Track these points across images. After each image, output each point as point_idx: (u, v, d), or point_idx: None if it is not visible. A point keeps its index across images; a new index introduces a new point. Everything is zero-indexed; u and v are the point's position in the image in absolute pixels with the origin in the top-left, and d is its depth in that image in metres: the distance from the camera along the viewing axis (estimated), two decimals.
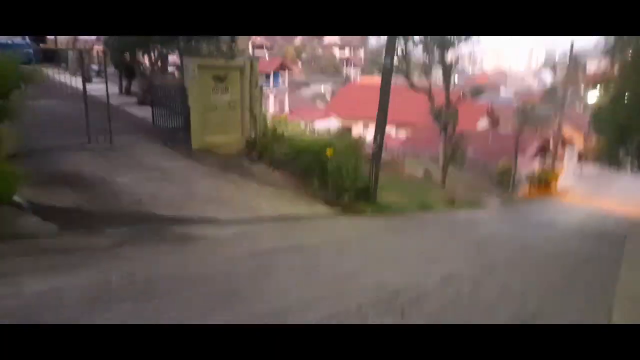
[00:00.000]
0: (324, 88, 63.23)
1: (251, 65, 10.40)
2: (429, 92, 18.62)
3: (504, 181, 22.31)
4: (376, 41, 14.01)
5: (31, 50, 16.43)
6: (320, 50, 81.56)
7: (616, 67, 17.14)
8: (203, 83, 9.72)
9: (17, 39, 16.44)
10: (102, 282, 3.58)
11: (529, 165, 25.56)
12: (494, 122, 35.28)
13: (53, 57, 16.76)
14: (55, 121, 8.90)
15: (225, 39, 10.70)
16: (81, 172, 7.01)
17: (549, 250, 8.59)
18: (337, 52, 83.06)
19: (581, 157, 36.43)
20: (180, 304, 3.37)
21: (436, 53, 18.46)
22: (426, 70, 19.93)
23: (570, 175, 32.52)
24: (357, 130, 29.39)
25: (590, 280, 6.30)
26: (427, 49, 18.48)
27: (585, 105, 27.50)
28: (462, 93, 38.18)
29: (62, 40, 18.45)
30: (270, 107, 36.83)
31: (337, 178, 9.40)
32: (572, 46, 27.92)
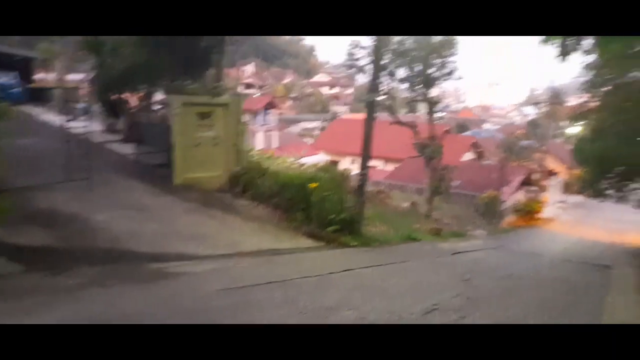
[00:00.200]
0: (313, 125, 63.95)
1: (236, 102, 10.52)
2: (413, 127, 18.92)
3: (490, 212, 22.39)
4: (365, 79, 14.34)
5: (19, 90, 16.55)
6: (309, 89, 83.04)
7: (596, 101, 17.59)
8: (187, 120, 9.79)
9: (6, 79, 16.55)
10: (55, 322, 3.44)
11: (514, 196, 25.76)
12: (479, 155, 35.79)
13: (40, 96, 16.87)
14: (34, 159, 8.82)
15: (210, 77, 10.86)
16: (56, 210, 6.90)
17: (534, 279, 8.56)
18: (326, 90, 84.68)
19: (565, 187, 36.88)
20: None
21: (420, 90, 18.87)
22: (411, 106, 20.38)
23: (555, 205, 32.80)
24: (345, 164, 29.61)
25: (577, 308, 6.25)
26: (411, 86, 18.90)
27: (568, 138, 28.07)
28: (447, 129, 39.12)
29: (50, 79, 18.58)
30: (259, 143, 37.06)
31: (321, 211, 9.37)
32: (552, 81, 28.91)
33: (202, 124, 9.96)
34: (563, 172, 38.28)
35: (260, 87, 74.52)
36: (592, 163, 17.51)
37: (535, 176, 29.48)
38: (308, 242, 8.78)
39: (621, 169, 16.68)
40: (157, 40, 9.78)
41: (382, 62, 16.99)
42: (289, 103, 75.75)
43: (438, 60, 17.54)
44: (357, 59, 18.55)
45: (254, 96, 53.69)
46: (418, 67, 17.67)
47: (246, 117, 39.54)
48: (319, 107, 74.83)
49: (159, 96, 13.18)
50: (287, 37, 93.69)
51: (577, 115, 19.29)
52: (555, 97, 30.12)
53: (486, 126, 67.94)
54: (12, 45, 17.72)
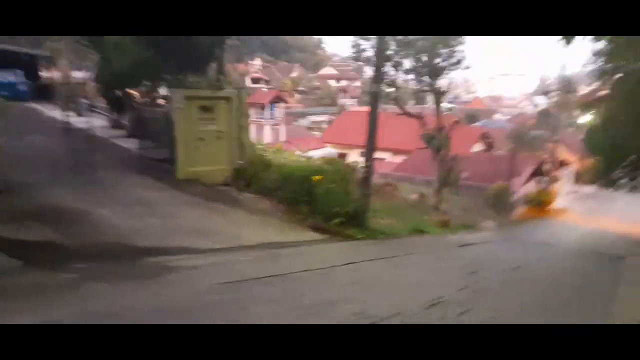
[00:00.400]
0: (321, 118, 63.83)
1: (239, 95, 10.42)
2: (420, 118, 18.69)
3: (500, 203, 22.11)
4: (373, 72, 14.10)
5: (24, 88, 16.62)
6: (316, 82, 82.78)
7: (607, 90, 17.24)
8: (189, 113, 9.73)
9: (10, 76, 16.64)
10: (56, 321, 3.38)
11: (524, 187, 25.42)
12: (489, 145, 35.38)
13: (47, 93, 16.94)
14: (38, 155, 8.84)
15: (213, 71, 10.78)
16: (59, 205, 6.88)
17: (544, 271, 8.41)
18: (333, 83, 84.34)
19: (577, 178, 36.35)
20: None
21: (427, 80, 18.61)
22: (417, 96, 20.15)
23: (567, 195, 32.36)
24: (353, 157, 29.45)
25: (587, 301, 6.10)
26: (417, 76, 18.64)
27: (579, 127, 27.62)
28: (457, 119, 38.74)
29: (57, 76, 18.65)
30: (267, 137, 37.04)
31: (326, 203, 9.27)
32: (562, 70, 28.42)
33: (205, 118, 9.90)
34: (575, 162, 37.73)
35: (268, 82, 74.41)
36: (603, 152, 17.20)
37: (546, 167, 29.05)
38: (313, 235, 8.69)
39: (633, 157, 16.36)
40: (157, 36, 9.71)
41: (387, 53, 16.84)
42: (296, 97, 75.60)
43: (445, 50, 17.25)
44: (363, 50, 18.34)
45: (261, 90, 53.68)
46: (424, 58, 17.39)
47: (253, 111, 39.71)
48: (327, 100, 74.59)
49: (163, 91, 13.14)
50: None
51: (587, 103, 18.92)
52: (566, 85, 29.54)
53: (497, 117, 67.15)
54: (17, 43, 17.82)
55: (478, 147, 34.10)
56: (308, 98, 76.61)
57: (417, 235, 11.59)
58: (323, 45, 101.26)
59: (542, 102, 73.30)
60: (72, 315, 3.45)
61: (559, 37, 4.28)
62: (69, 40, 14.09)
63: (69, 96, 13.44)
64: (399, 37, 17.09)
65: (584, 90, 26.24)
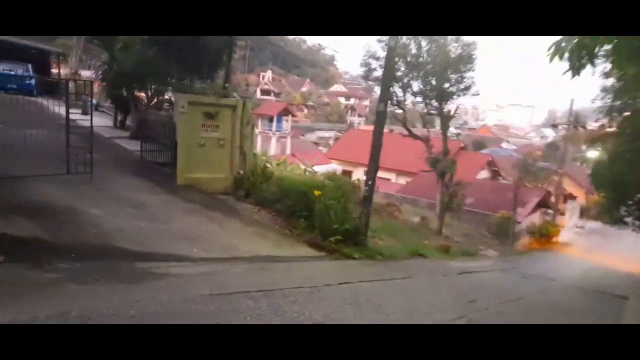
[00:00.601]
0: (328, 134, 63.99)
1: (244, 104, 10.32)
2: (427, 141, 18.57)
3: (503, 232, 21.82)
4: (380, 91, 13.95)
5: (33, 82, 16.64)
6: (326, 98, 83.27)
7: (614, 125, 17.08)
8: (193, 119, 9.62)
9: (19, 70, 16.69)
10: (29, 320, 3.19)
11: (529, 218, 25.12)
12: (495, 173, 35.18)
13: (55, 90, 16.96)
14: (37, 150, 8.71)
15: (218, 77, 10.72)
16: (51, 201, 6.73)
17: (544, 306, 8.13)
18: (343, 101, 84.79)
19: (583, 212, 35.98)
20: None
21: (435, 103, 18.53)
22: (425, 119, 20.07)
23: (571, 229, 31.98)
24: (358, 175, 29.30)
25: None
26: (426, 99, 18.57)
27: (586, 162, 27.43)
28: (464, 144, 38.61)
29: (65, 73, 18.72)
30: (272, 149, 37.03)
31: (325, 220, 9.07)
32: (571, 104, 28.31)
33: (208, 125, 9.78)
34: (581, 196, 37.43)
35: (278, 94, 74.88)
36: (609, 188, 16.94)
37: (552, 199, 28.78)
38: (308, 251, 8.47)
39: (639, 196, 16.10)
40: (167, 39, 9.67)
41: (396, 74, 16.82)
42: (305, 111, 75.95)
43: (454, 75, 17.19)
44: (374, 69, 18.33)
45: (269, 101, 53.91)
46: (433, 81, 17.33)
47: (261, 122, 39.83)
48: (335, 117, 74.87)
49: (170, 95, 13.09)
50: (307, 46, 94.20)
51: (595, 138, 18.73)
52: (575, 120, 29.46)
53: (504, 145, 67.07)
54: (30, 38, 17.91)
55: (484, 174, 33.91)
56: (316, 113, 76.96)
57: (417, 259, 11.33)
58: (335, 62, 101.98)
59: (550, 134, 73.30)
60: (45, 317, 3.26)
61: (567, 69, 4.12)
62: (80, 38, 14.12)
63: (76, 94, 13.35)
64: (409, 60, 17.08)
65: (592, 125, 26.11)
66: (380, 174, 34.32)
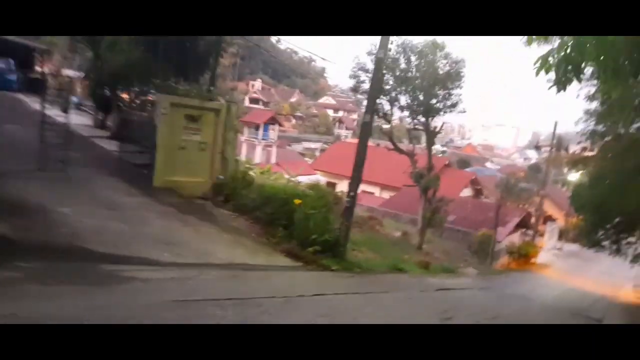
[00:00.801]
0: (314, 146, 64.02)
1: (228, 108, 10.17)
2: (411, 156, 18.60)
3: (483, 251, 21.87)
4: (366, 102, 13.96)
5: (14, 77, 16.27)
6: (314, 110, 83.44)
7: (596, 148, 17.30)
8: (174, 121, 9.43)
9: (1, 66, 16.29)
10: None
11: (509, 238, 25.27)
12: (477, 191, 35.46)
13: (37, 86, 16.59)
14: (11, 146, 8.46)
15: (204, 81, 10.57)
16: (20, 199, 6.47)
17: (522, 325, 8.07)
18: (331, 113, 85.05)
19: (562, 234, 36.39)
20: None
21: (421, 119, 18.58)
22: (411, 134, 20.12)
23: (550, 250, 32.25)
24: (342, 187, 29.25)
25: None
26: (412, 114, 18.62)
27: (567, 184, 27.83)
28: (448, 162, 38.90)
29: (49, 70, 18.36)
30: (257, 157, 36.82)
31: (304, 229, 8.92)
32: (555, 126, 28.76)
33: (190, 127, 9.59)
34: (561, 218, 37.88)
35: (266, 104, 74.84)
36: (588, 211, 17.05)
37: (532, 220, 29.04)
38: (285, 261, 8.29)
39: (617, 220, 16.26)
40: (153, 39, 9.52)
41: (384, 87, 16.86)
42: (293, 122, 75.95)
43: (441, 92, 17.29)
44: (362, 82, 18.34)
45: (256, 110, 53.78)
46: (420, 97, 17.40)
47: (247, 131, 39.61)
48: (323, 128, 75.00)
49: (153, 96, 12.88)
50: (298, 57, 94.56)
51: (576, 161, 18.94)
52: (558, 142, 29.93)
53: (488, 165, 67.87)
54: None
55: (467, 192, 34.14)
56: (304, 124, 77.03)
57: (396, 273, 11.21)
58: (326, 74, 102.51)
59: (533, 155, 74.44)
60: None
61: (553, 85, 4.09)
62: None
63: (57, 91, 13.10)
64: (398, 74, 17.14)
65: (574, 148, 26.52)
66: (364, 187, 34.16)
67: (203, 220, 8.63)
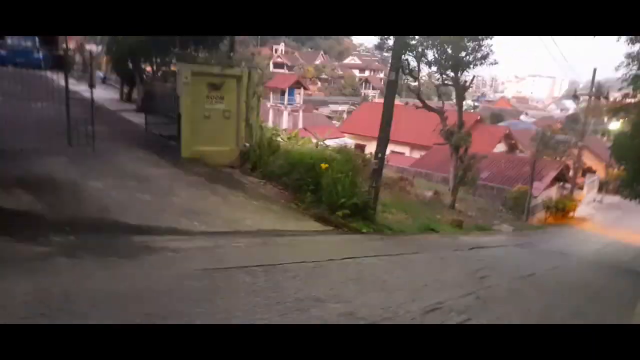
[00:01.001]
0: (341, 108, 63.27)
1: (249, 75, 10.00)
2: (441, 113, 18.05)
3: (519, 207, 21.36)
4: (391, 60, 13.43)
5: (40, 56, 16.51)
6: (340, 71, 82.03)
7: (639, 95, 16.31)
8: (197, 90, 9.37)
9: (27, 43, 16.55)
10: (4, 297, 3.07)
11: (546, 192, 24.56)
12: (512, 146, 34.42)
13: (61, 63, 16.83)
14: (41, 123, 8.59)
15: (224, 47, 10.39)
16: (51, 174, 6.62)
17: (559, 281, 7.87)
18: (357, 73, 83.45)
19: (602, 186, 35.13)
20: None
21: (450, 73, 17.87)
22: (439, 90, 19.46)
23: (590, 204, 31.28)
24: (371, 149, 28.91)
25: (601, 317, 5.60)
26: (440, 69, 17.92)
27: (607, 134, 26.53)
28: (480, 117, 37.71)
29: (72, 47, 18.54)
30: (284, 123, 36.67)
31: (332, 193, 8.85)
32: (594, 74, 27.23)
33: (213, 96, 9.51)
34: (601, 170, 36.52)
35: (291, 67, 73.97)
36: (630, 160, 16.28)
37: (570, 173, 28.06)
38: (315, 225, 8.28)
39: None
40: None
41: (410, 42, 16.21)
42: (319, 85, 75.04)
43: (471, 44, 16.49)
44: (387, 38, 17.68)
45: (280, 74, 53.22)
46: (449, 50, 16.66)
47: (272, 96, 39.36)
48: (349, 90, 73.84)
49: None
50: None
51: (617, 108, 17.93)
52: (597, 90, 28.38)
53: (522, 118, 65.56)
54: None
55: (501, 147, 33.19)
56: (330, 87, 75.99)
57: (428, 233, 11.09)
58: None
59: (570, 106, 71.26)
60: (22, 292, 3.13)
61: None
62: None
63: (82, 67, 13.21)
64: None
65: (615, 95, 25.12)
66: (394, 147, 33.79)
67: (231, 188, 8.67)
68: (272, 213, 8.11)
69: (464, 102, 19.75)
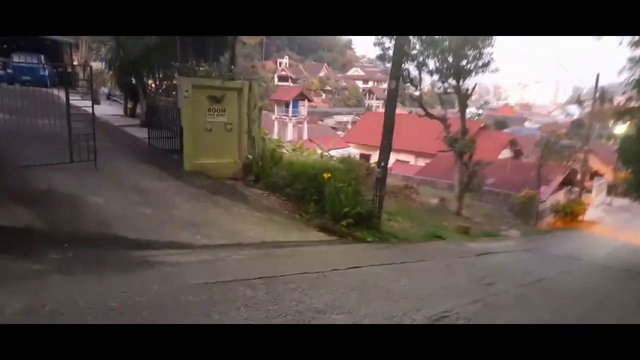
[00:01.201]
0: (346, 119, 63.39)
1: (250, 87, 10.01)
2: (444, 121, 17.99)
3: (526, 212, 21.16)
4: (391, 68, 13.42)
5: (46, 73, 16.69)
6: (344, 83, 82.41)
7: None
8: (198, 103, 9.38)
9: (33, 61, 16.74)
10: None
11: (553, 197, 24.33)
12: (517, 152, 34.24)
13: (67, 80, 16.98)
14: (45, 139, 8.63)
15: (224, 61, 10.43)
16: (51, 190, 6.60)
17: (568, 287, 7.71)
18: (360, 84, 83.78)
19: (611, 189, 34.79)
20: None
21: (452, 82, 17.83)
22: (442, 99, 19.43)
23: (598, 207, 30.95)
24: (376, 158, 28.80)
25: (612, 322, 5.46)
26: (442, 77, 17.90)
27: (613, 137, 26.35)
28: (484, 124, 37.60)
29: (77, 63, 18.74)
30: (289, 135, 36.76)
31: (335, 203, 8.78)
32: (597, 79, 27.12)
33: (214, 109, 9.52)
34: (609, 173, 36.21)
35: (295, 80, 74.37)
36: (636, 164, 16.12)
37: (576, 177, 27.82)
38: (319, 236, 8.20)
39: None
40: None
41: (411, 52, 16.24)
42: (323, 96, 75.33)
43: (472, 52, 16.48)
44: (388, 49, 17.73)
45: (284, 87, 53.48)
46: (450, 59, 16.65)
47: (276, 108, 39.51)
48: (354, 100, 74.06)
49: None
50: None
51: (621, 112, 17.78)
52: (601, 95, 28.26)
53: (527, 124, 65.30)
54: None
55: (506, 153, 33.03)
56: (334, 98, 76.27)
57: (434, 241, 10.97)
58: (352, 46, 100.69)
59: (575, 111, 70.95)
60: (11, 312, 3.08)
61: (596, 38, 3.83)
62: None
63: (87, 83, 13.26)
64: (424, 37, 16.44)
65: (619, 99, 24.99)
66: (399, 156, 33.74)
67: (234, 200, 8.63)
68: (275, 224, 8.05)
69: (467, 110, 19.72)
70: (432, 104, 28.28)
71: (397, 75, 9.91)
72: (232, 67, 10.20)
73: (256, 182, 9.85)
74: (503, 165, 25.51)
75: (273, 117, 38.63)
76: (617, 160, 21.34)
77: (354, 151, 32.10)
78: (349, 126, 55.09)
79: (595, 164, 34.92)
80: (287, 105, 39.55)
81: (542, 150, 23.75)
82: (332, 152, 24.96)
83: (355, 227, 8.80)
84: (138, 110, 13.64)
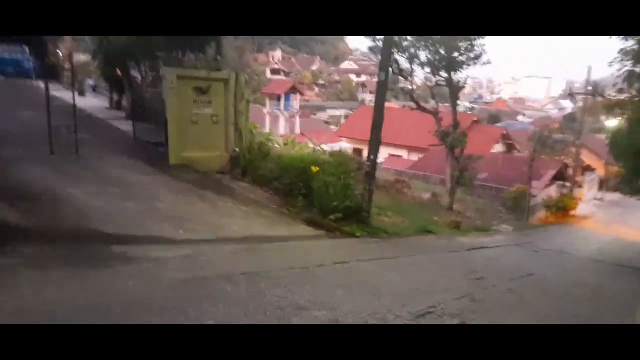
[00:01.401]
0: (338, 112, 63.16)
1: (237, 77, 9.80)
2: (435, 114, 17.88)
3: (518, 206, 21.14)
4: (380, 59, 13.30)
5: (31, 65, 16.36)
6: (336, 76, 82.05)
7: (634, 92, 16.14)
8: (183, 95, 9.16)
9: (17, 53, 16.39)
10: None
11: (545, 191, 24.33)
12: (509, 146, 34.26)
13: (52, 72, 16.66)
14: (25, 132, 8.42)
15: (210, 50, 10.20)
16: (29, 183, 6.40)
17: (559, 282, 7.64)
18: (353, 77, 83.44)
19: (602, 184, 34.94)
20: None
21: (444, 74, 17.71)
22: (433, 91, 19.31)
23: (591, 201, 31.06)
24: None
25: (603, 318, 5.38)
26: (434, 70, 17.77)
27: (605, 131, 26.39)
28: (477, 118, 37.56)
29: (62, 55, 18.40)
30: (281, 129, 36.50)
31: (323, 197, 8.63)
32: (589, 72, 27.07)
33: (200, 100, 9.30)
34: (600, 167, 36.32)
35: (287, 74, 73.97)
36: (627, 158, 16.12)
37: (568, 171, 27.85)
38: (306, 230, 8.05)
39: None
40: None
41: (402, 43, 16.09)
42: (316, 90, 74.98)
43: (463, 44, 16.35)
44: (379, 41, 17.54)
45: (276, 80, 53.15)
46: (441, 50, 16.51)
47: (268, 102, 39.19)
48: (347, 94, 73.76)
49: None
50: None
51: (612, 105, 17.75)
52: (594, 88, 28.26)
53: (519, 118, 65.42)
54: None
55: (498, 148, 33.01)
56: (327, 92, 75.94)
57: (424, 235, 10.87)
58: (345, 38, 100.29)
59: (567, 105, 71.15)
60: None
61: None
62: None
63: (72, 75, 13.00)
64: None
65: (611, 92, 25.02)
66: (391, 150, 33.61)
67: (220, 194, 8.45)
68: (262, 218, 7.89)
69: (461, 104, 19.63)
70: (425, 97, 28.22)
71: (386, 66, 9.75)
72: (218, 57, 9.95)
73: (243, 175, 9.67)
74: (495, 160, 25.47)
75: (265, 110, 38.32)
76: (609, 154, 21.35)
77: (345, 145, 31.93)
78: (342, 120, 54.87)
79: (587, 158, 34.99)
80: (279, 99, 39.25)
81: (534, 144, 23.73)
82: (324, 147, 24.74)
83: (344, 221, 8.65)
84: (124, 103, 13.38)
